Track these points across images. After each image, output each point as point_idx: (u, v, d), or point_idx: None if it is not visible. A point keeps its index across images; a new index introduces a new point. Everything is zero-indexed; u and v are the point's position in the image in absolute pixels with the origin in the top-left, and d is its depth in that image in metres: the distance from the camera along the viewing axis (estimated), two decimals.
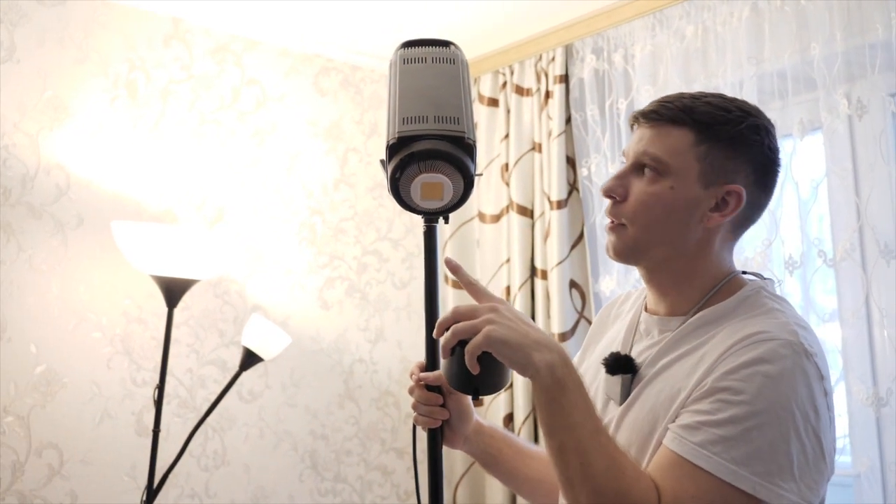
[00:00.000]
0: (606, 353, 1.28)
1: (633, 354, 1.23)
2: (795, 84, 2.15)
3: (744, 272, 1.25)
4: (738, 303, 1.17)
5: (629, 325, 1.29)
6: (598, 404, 1.25)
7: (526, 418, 2.65)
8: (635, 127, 1.23)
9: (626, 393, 1.20)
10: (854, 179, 2.06)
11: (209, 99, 2.63)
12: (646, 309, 1.28)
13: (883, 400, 1.93)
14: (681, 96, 1.21)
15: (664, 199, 1.17)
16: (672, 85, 2.40)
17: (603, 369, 1.25)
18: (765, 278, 1.24)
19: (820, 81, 2.08)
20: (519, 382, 2.67)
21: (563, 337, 2.58)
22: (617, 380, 1.21)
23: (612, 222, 1.22)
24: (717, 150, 1.17)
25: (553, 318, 2.61)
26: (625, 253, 1.22)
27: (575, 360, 1.46)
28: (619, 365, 1.21)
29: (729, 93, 2.23)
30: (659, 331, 1.22)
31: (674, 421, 1.09)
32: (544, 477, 1.35)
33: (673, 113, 1.18)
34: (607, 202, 1.24)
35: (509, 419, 2.71)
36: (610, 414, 1.22)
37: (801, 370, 1.05)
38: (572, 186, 2.68)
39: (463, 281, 1.12)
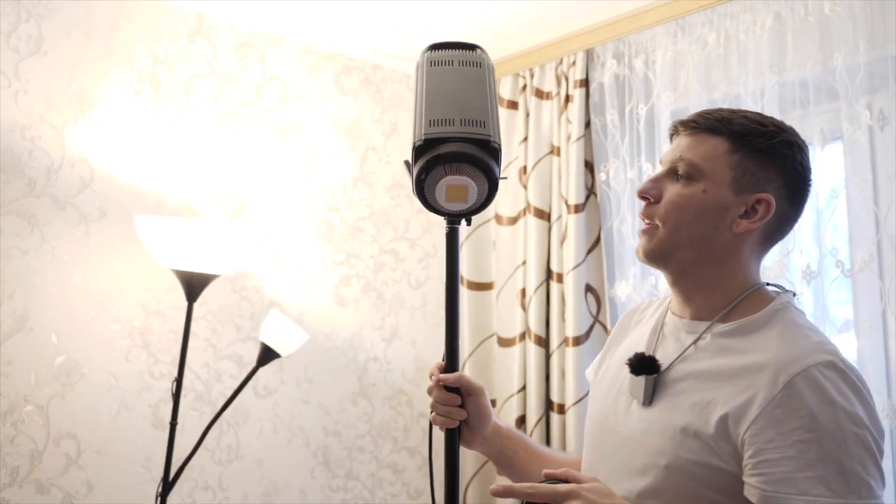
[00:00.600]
0: (629, 354, 1.30)
1: (658, 355, 1.25)
2: (817, 94, 2.15)
3: (767, 284, 1.27)
4: (769, 317, 1.19)
5: (654, 327, 1.32)
6: (620, 405, 1.27)
7: (538, 420, 2.66)
8: (674, 137, 1.28)
9: (650, 393, 1.22)
10: (873, 190, 2.06)
11: (232, 94, 2.65)
12: (672, 312, 1.30)
13: None
14: (720, 109, 1.25)
15: (696, 200, 1.20)
16: (693, 92, 2.40)
17: (625, 369, 1.27)
18: (786, 290, 1.26)
19: (842, 92, 2.08)
20: (532, 384, 2.68)
21: (578, 341, 2.58)
22: (641, 380, 1.23)
23: (647, 224, 1.25)
24: (750, 160, 1.20)
25: (568, 321, 2.61)
26: (654, 254, 1.25)
27: (593, 365, 1.48)
28: (644, 365, 1.24)
29: (750, 101, 2.25)
30: (686, 333, 1.25)
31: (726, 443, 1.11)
32: None
33: (710, 122, 1.22)
34: (636, 206, 1.28)
35: (521, 421, 2.72)
36: (634, 414, 1.24)
37: (851, 386, 1.09)
38: (590, 191, 2.68)
39: (523, 491, 1.11)
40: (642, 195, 1.25)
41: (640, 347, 1.30)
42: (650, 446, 1.18)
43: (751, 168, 1.20)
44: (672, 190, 1.23)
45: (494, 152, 1.07)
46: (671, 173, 1.24)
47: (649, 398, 1.22)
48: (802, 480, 1.04)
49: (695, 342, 1.22)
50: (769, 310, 1.20)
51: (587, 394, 2.53)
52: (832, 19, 2.12)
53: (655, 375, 1.22)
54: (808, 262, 2.12)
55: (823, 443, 1.05)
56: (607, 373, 1.36)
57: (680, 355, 1.22)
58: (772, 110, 2.20)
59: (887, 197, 2.01)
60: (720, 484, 1.12)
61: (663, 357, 1.25)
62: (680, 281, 1.26)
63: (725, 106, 2.32)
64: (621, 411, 1.26)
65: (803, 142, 1.26)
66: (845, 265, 2.07)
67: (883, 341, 2.00)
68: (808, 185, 1.26)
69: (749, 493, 1.09)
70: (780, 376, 1.09)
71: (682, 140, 1.25)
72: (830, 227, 2.13)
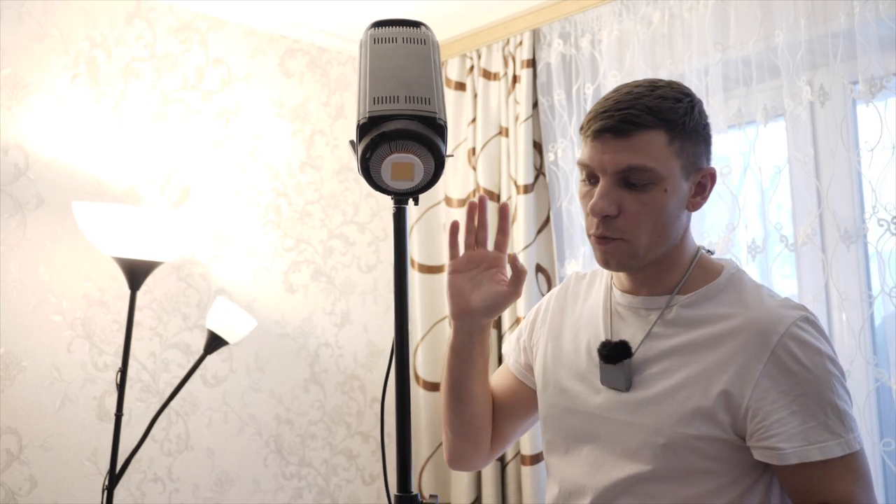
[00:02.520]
0: (581, 336, 1.30)
1: (623, 336, 1.27)
2: (760, 71, 2.18)
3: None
4: (727, 282, 1.24)
5: (604, 308, 1.32)
6: (590, 390, 1.27)
7: None
8: (592, 138, 1.21)
9: (629, 377, 1.23)
10: (815, 165, 2.09)
11: (173, 78, 2.58)
12: (621, 290, 1.30)
13: None
14: (632, 97, 1.19)
15: (662, 204, 1.19)
16: (638, 71, 2.41)
17: (583, 354, 1.29)
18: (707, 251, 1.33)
19: (784, 69, 2.10)
20: None
21: None
22: (619, 367, 1.24)
23: (609, 239, 1.20)
24: (688, 142, 1.20)
25: (519, 302, 2.62)
26: (630, 265, 1.23)
27: (520, 346, 1.46)
28: (619, 352, 1.24)
29: (694, 79, 2.27)
30: (646, 310, 1.26)
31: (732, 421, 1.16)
32: (478, 415, 1.40)
33: (641, 118, 1.17)
34: (585, 213, 1.24)
35: None
36: (613, 398, 1.24)
37: (822, 333, 1.18)
38: (539, 171, 2.68)
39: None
40: (603, 215, 1.19)
41: (595, 330, 1.30)
42: (643, 428, 1.20)
43: (690, 149, 1.21)
44: (631, 200, 1.18)
45: (440, 129, 1.05)
46: (620, 181, 1.19)
47: (629, 382, 1.23)
48: (810, 431, 1.12)
49: (660, 317, 1.24)
50: (726, 274, 1.25)
51: None
52: None
53: (630, 359, 1.23)
54: (754, 238, 2.15)
55: (819, 391, 1.13)
56: (560, 356, 1.35)
57: (648, 333, 1.24)
58: (716, 88, 2.23)
59: (828, 171, 2.05)
60: (716, 453, 1.17)
61: (627, 337, 1.26)
62: (642, 271, 1.26)
63: None
64: (594, 396, 1.27)
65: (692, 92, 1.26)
66: (789, 240, 2.10)
67: (826, 312, 2.05)
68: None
69: (764, 455, 1.14)
70: (767, 339, 1.15)
71: (619, 142, 1.18)
72: (775, 205, 2.16)
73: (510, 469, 2.65)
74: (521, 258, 2.61)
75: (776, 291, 1.26)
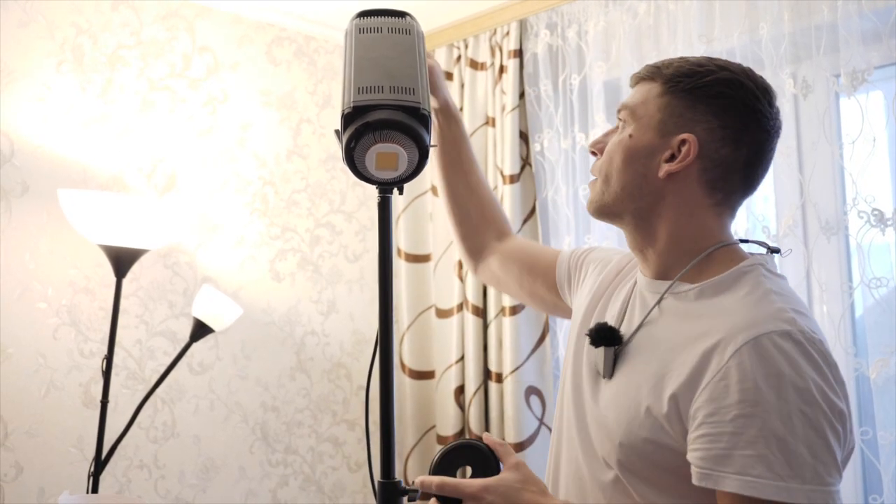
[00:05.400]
0: (592, 310, 1.28)
1: (626, 320, 1.21)
2: (744, 63, 2.18)
3: (743, 240, 1.21)
4: (735, 279, 1.12)
5: (627, 292, 1.26)
6: (588, 379, 1.21)
7: (477, 390, 2.68)
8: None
9: (611, 365, 1.17)
10: (798, 157, 2.11)
11: (159, 66, 2.58)
12: (640, 271, 1.25)
13: None
14: (675, 59, 1.23)
15: (623, 145, 1.19)
16: (624, 62, 2.42)
17: (586, 339, 1.22)
18: (771, 249, 1.20)
19: (767, 61, 2.12)
20: (470, 354, 2.70)
21: (514, 310, 2.60)
22: (601, 352, 1.18)
23: (592, 179, 1.25)
24: (677, 101, 1.16)
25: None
26: (592, 207, 1.23)
27: (573, 251, 1.49)
28: (602, 337, 1.18)
29: None
30: (650, 294, 1.19)
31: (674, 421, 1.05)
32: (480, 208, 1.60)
33: (649, 70, 1.21)
34: (571, 176, 1.28)
35: (460, 391, 2.74)
36: (600, 389, 1.18)
37: (807, 358, 1.00)
38: (525, 161, 2.69)
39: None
40: (591, 148, 1.26)
41: (615, 310, 1.25)
42: (609, 423, 1.12)
43: (677, 109, 1.15)
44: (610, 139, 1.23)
45: (424, 119, 1.06)
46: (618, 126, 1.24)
47: (610, 370, 1.16)
48: (740, 458, 0.97)
49: (657, 303, 1.16)
50: (735, 270, 1.12)
51: (524, 362, 2.58)
52: None
53: (616, 347, 1.17)
54: (735, 229, 2.17)
55: (767, 419, 0.96)
56: (582, 335, 1.27)
57: (644, 319, 1.17)
58: None
59: (810, 163, 2.07)
60: (674, 465, 1.06)
61: (630, 321, 1.20)
62: (630, 237, 1.22)
63: None
64: (589, 387, 1.20)
65: (760, 84, 1.17)
66: (771, 231, 2.12)
67: (807, 303, 2.06)
68: (760, 128, 1.15)
69: (692, 472, 1.02)
70: (729, 346, 1.02)
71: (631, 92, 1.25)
72: (761, 197, 2.18)
73: None
74: None
75: (798, 298, 1.11)
